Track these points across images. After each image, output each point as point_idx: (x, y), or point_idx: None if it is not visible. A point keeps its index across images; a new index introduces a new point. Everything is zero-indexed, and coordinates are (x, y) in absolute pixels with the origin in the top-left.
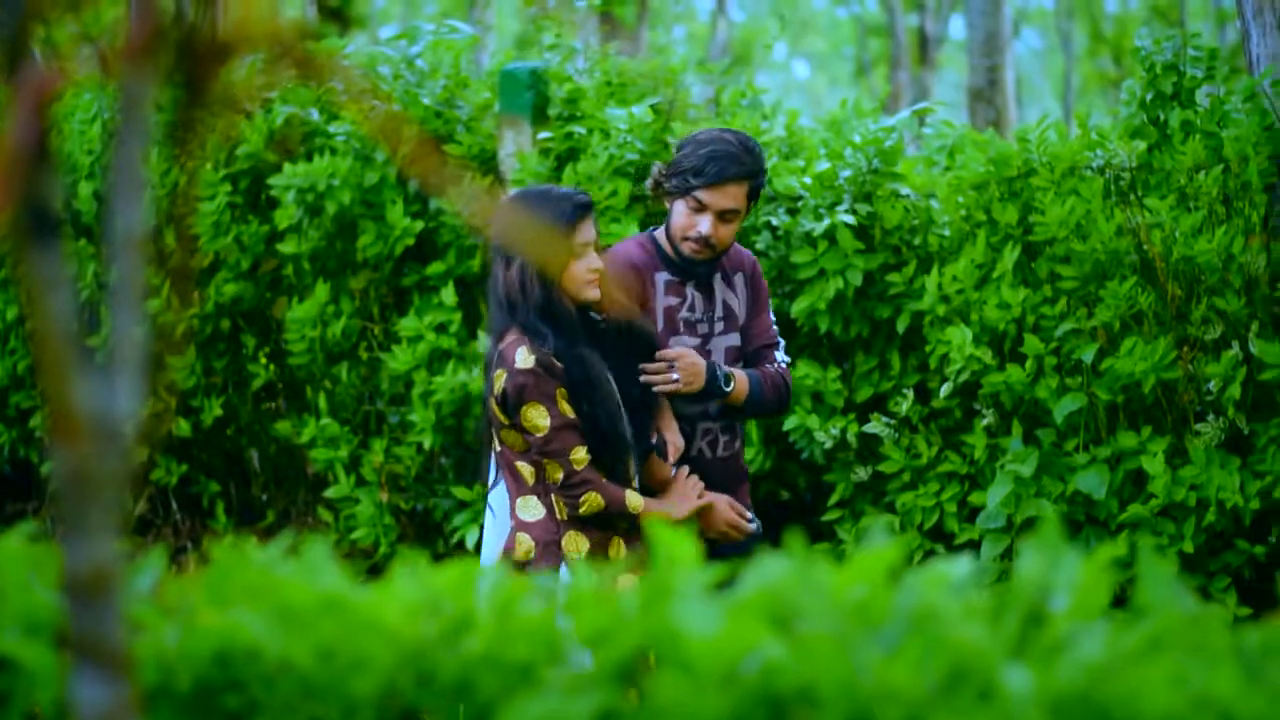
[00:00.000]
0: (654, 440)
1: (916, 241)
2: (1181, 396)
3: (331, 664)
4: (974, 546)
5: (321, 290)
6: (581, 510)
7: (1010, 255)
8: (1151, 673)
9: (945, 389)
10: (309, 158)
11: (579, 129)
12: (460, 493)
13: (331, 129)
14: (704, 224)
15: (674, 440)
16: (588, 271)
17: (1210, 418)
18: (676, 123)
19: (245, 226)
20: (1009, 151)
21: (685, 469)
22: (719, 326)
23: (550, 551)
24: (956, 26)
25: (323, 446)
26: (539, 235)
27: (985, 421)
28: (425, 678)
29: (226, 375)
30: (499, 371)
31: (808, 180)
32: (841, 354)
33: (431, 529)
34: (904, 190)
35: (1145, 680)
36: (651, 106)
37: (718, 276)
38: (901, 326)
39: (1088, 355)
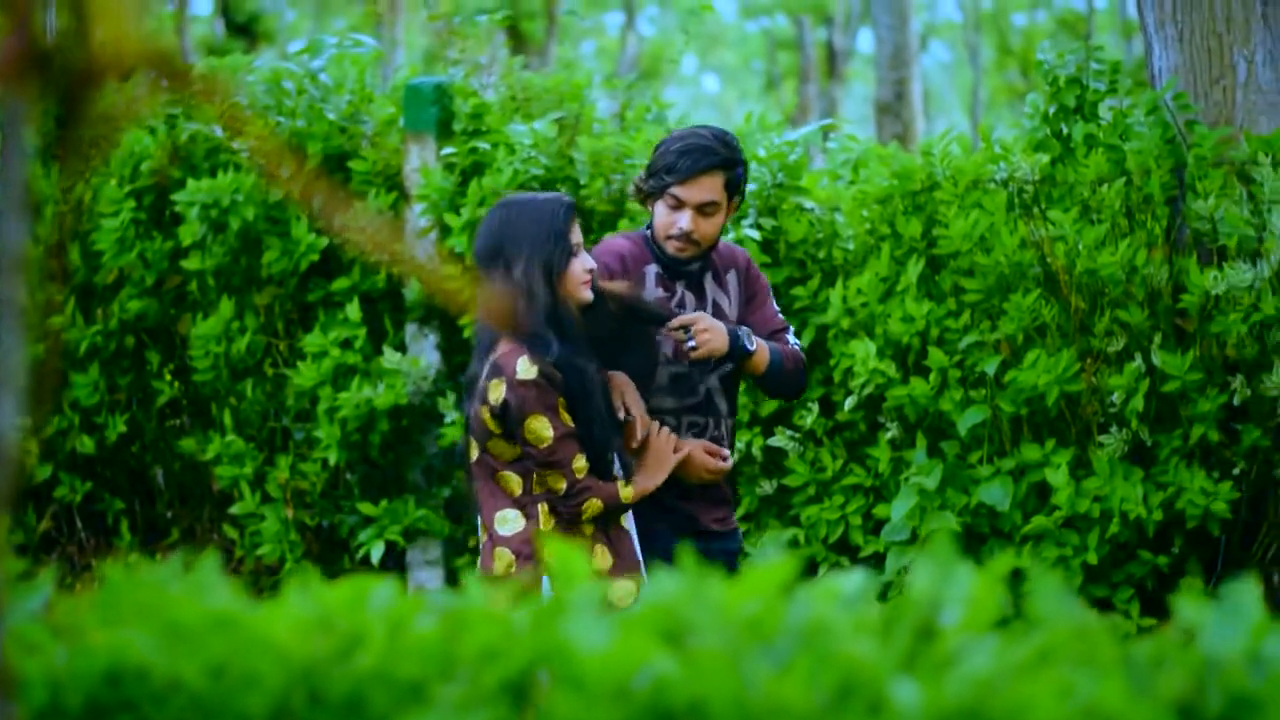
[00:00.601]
0: (620, 417)
1: (821, 255)
2: (1085, 408)
3: (222, 682)
4: (879, 559)
5: (226, 306)
6: (584, 516)
7: (914, 269)
8: (1039, 685)
9: (850, 402)
10: (213, 173)
11: (484, 144)
12: (366, 508)
13: (235, 145)
14: (683, 219)
15: (641, 416)
16: (583, 272)
17: (1113, 429)
18: (581, 137)
19: (149, 243)
20: (913, 165)
21: (655, 426)
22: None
23: (531, 562)
24: (865, 40)
25: (228, 463)
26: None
27: (890, 434)
28: (316, 695)
29: (131, 392)
30: (495, 381)
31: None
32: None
33: (337, 545)
34: (809, 204)
35: (1033, 693)
36: (556, 121)
37: (709, 275)
38: (806, 340)
39: (991, 368)
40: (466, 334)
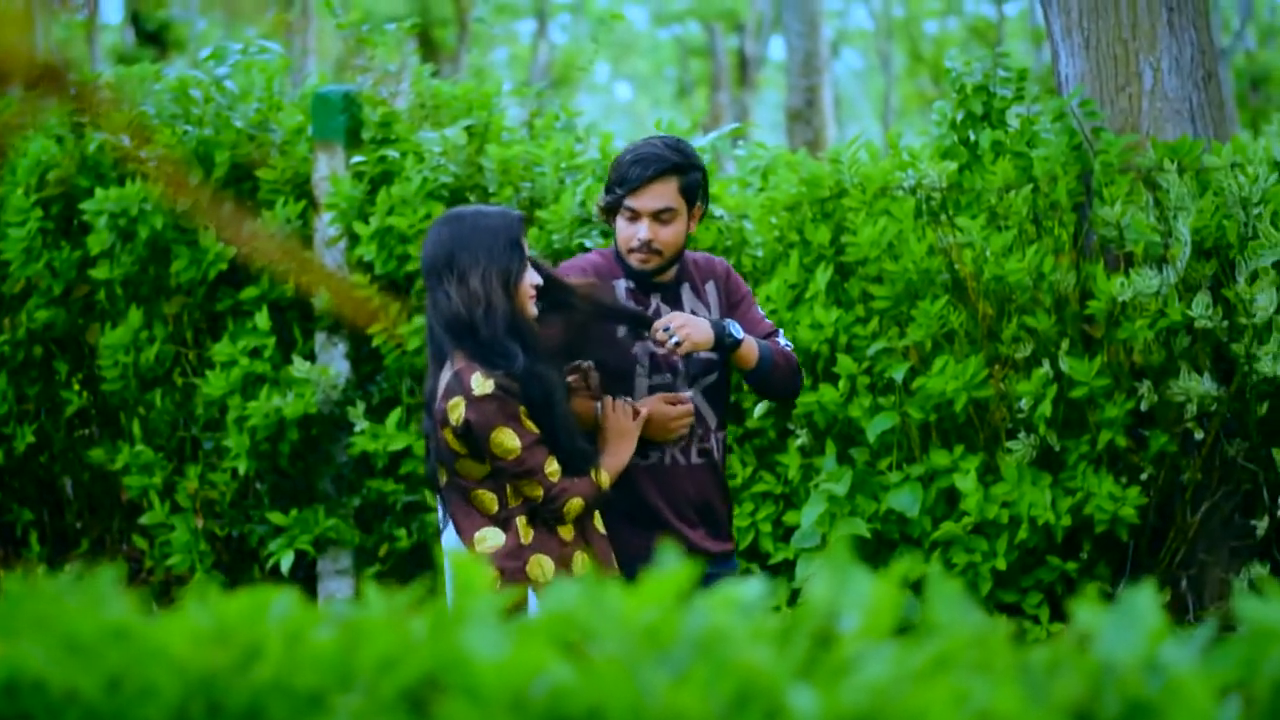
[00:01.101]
0: (573, 378)
1: (730, 262)
2: (993, 414)
3: (119, 694)
4: (790, 566)
5: (135, 316)
6: (569, 518)
7: (823, 275)
8: (934, 692)
9: (759, 409)
10: (121, 182)
11: (393, 152)
12: (276, 518)
13: (144, 154)
14: (641, 230)
15: (595, 390)
16: (530, 287)
17: (1022, 435)
18: (490, 145)
19: (57, 252)
20: (821, 173)
21: (610, 401)
22: None
23: (515, 579)
24: (776, 47)
25: (137, 473)
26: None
27: (799, 441)
28: (215, 706)
29: (39, 402)
30: (454, 401)
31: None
32: None
33: (247, 555)
34: (718, 211)
35: (928, 699)
36: (465, 129)
37: (686, 286)
38: None
39: (900, 374)
40: (376, 343)
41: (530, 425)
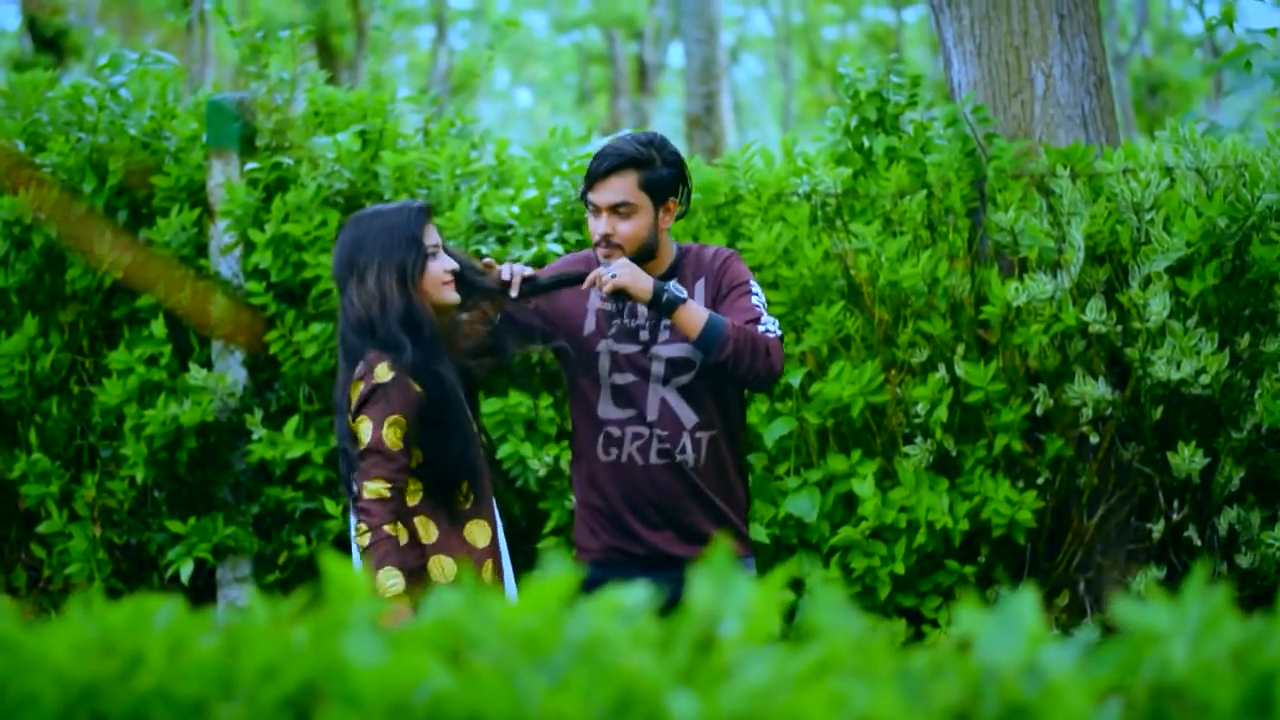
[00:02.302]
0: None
1: None
2: (890, 419)
3: None
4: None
5: (30, 324)
6: (359, 534)
7: None
8: (814, 696)
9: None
10: (14, 190)
11: (287, 159)
12: (174, 526)
13: (38, 160)
14: (601, 224)
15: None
16: (444, 273)
17: (918, 440)
18: (385, 152)
19: None
20: (716, 179)
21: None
22: (663, 335)
23: (417, 579)
24: (675, 54)
25: (34, 482)
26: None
27: None
28: (97, 716)
29: None
30: (356, 383)
31: (516, 209)
32: (554, 381)
33: (146, 563)
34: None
35: (807, 703)
36: (359, 134)
37: (672, 284)
38: None
39: (796, 379)
40: (273, 350)
41: (392, 437)
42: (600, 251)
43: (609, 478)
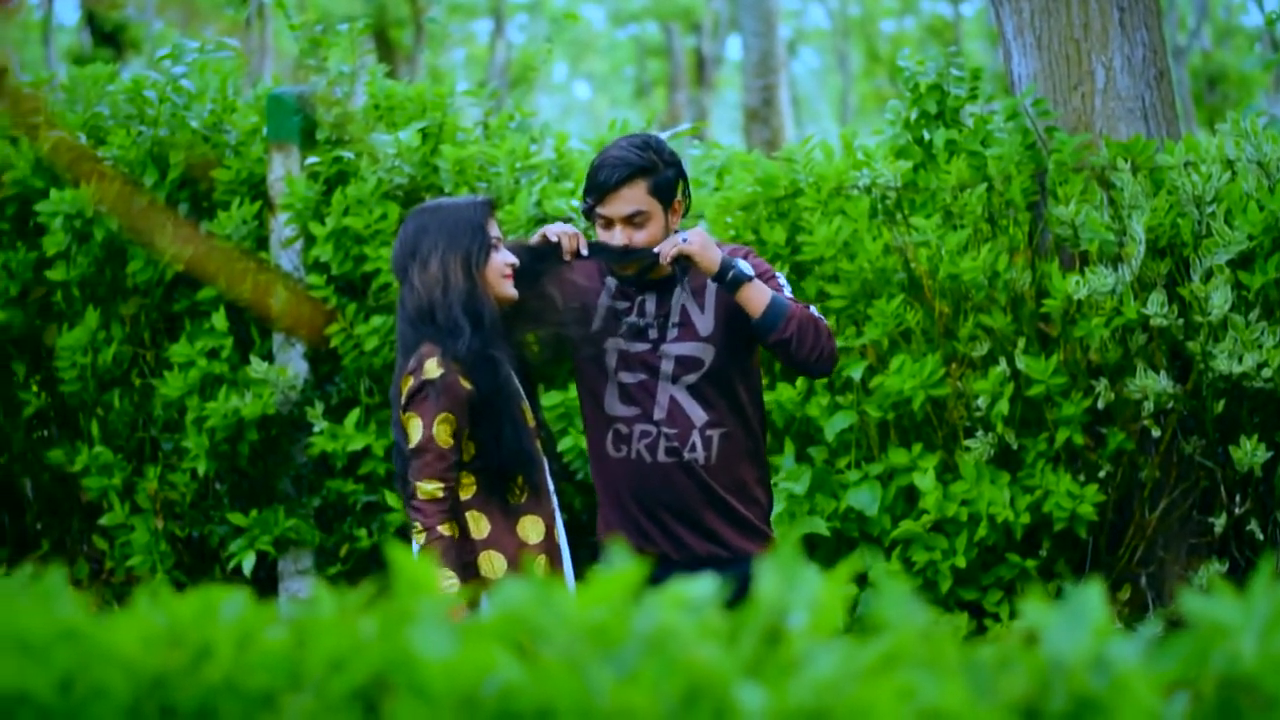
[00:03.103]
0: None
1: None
2: (951, 413)
3: (70, 695)
4: None
5: (92, 317)
6: (415, 531)
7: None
8: (881, 688)
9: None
10: (76, 184)
11: (347, 153)
12: (236, 519)
13: (100, 154)
14: (616, 236)
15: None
16: (505, 265)
17: (979, 433)
18: (445, 146)
19: (13, 253)
20: (776, 172)
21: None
22: (672, 333)
23: (468, 575)
24: (734, 47)
25: (96, 474)
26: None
27: None
28: (167, 707)
29: None
30: (406, 377)
31: (575, 202)
32: None
33: (208, 556)
34: None
35: (875, 696)
36: (420, 130)
37: (683, 285)
38: None
39: (857, 373)
40: (334, 343)
41: (443, 434)
42: (615, 265)
43: (621, 474)
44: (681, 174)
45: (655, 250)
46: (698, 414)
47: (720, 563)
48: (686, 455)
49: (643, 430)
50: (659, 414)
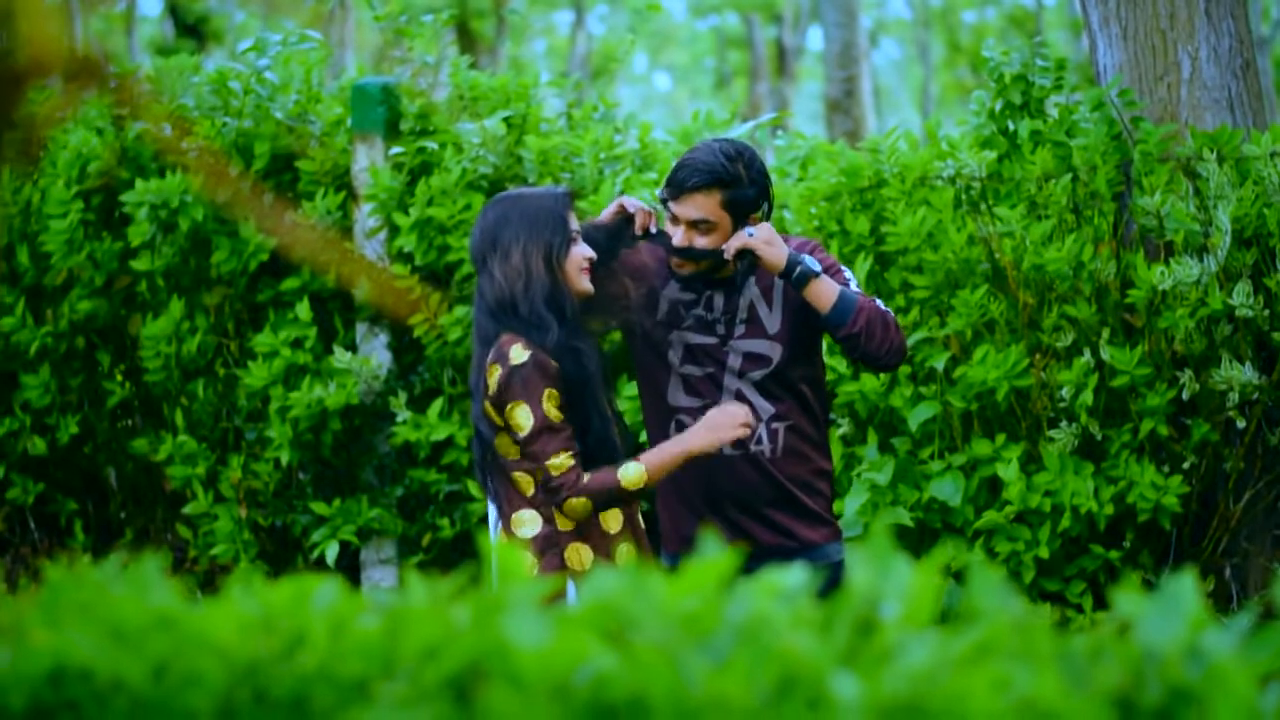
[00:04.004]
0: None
1: None
2: (1034, 404)
3: (164, 682)
4: None
5: (176, 306)
6: (571, 516)
7: (863, 265)
8: (976, 678)
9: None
10: (161, 174)
11: (431, 143)
12: (319, 508)
13: (184, 145)
14: (677, 235)
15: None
16: (583, 259)
17: (1063, 424)
18: (529, 136)
19: (98, 244)
20: (860, 162)
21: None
22: (739, 330)
23: (552, 565)
24: (815, 38)
25: (180, 463)
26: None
27: (841, 430)
28: (260, 694)
29: (82, 393)
30: (493, 367)
31: (659, 192)
32: None
33: (291, 545)
34: None
35: (970, 686)
36: (504, 120)
37: (750, 283)
38: None
39: (941, 364)
40: (418, 333)
41: (552, 411)
42: (673, 261)
43: (686, 469)
44: (764, 193)
45: (721, 249)
46: (764, 406)
47: (788, 553)
48: (753, 448)
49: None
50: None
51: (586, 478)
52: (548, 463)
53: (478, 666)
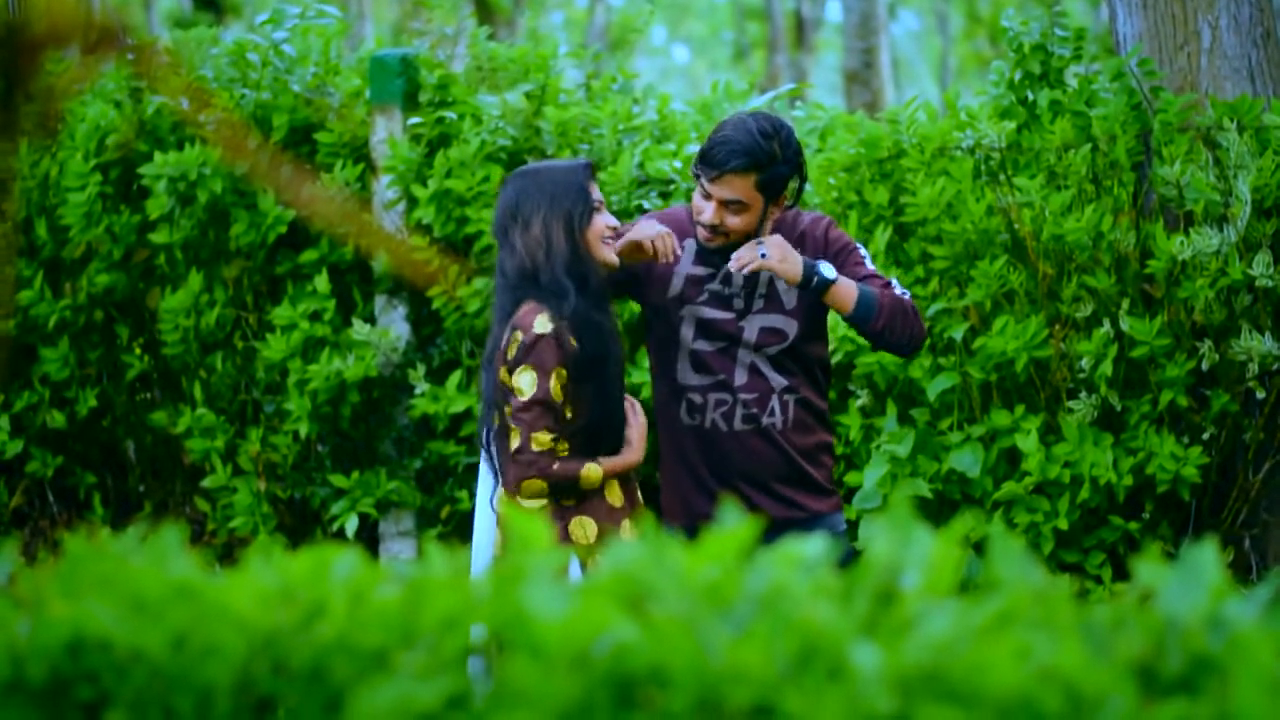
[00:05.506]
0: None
1: None
2: (1054, 374)
3: (183, 653)
4: (852, 526)
5: (195, 279)
6: (521, 492)
7: (882, 236)
8: (997, 648)
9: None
10: (180, 146)
11: (450, 115)
12: (338, 480)
13: (202, 118)
14: (708, 211)
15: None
16: (606, 228)
17: (1083, 395)
18: (548, 108)
19: (117, 216)
20: (879, 133)
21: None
22: (758, 304)
23: (556, 539)
24: (833, 9)
25: (199, 436)
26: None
27: (860, 402)
28: (279, 665)
29: (100, 366)
30: (514, 335)
31: (678, 164)
32: None
33: (310, 517)
34: None
35: (991, 655)
36: (524, 92)
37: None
38: None
39: (960, 334)
40: (436, 305)
41: (556, 388)
42: (701, 233)
43: (694, 444)
44: (797, 170)
45: (729, 264)
46: (777, 380)
47: (798, 524)
48: (765, 420)
49: (718, 399)
50: (740, 379)
51: (556, 465)
52: (533, 434)
53: (498, 636)
